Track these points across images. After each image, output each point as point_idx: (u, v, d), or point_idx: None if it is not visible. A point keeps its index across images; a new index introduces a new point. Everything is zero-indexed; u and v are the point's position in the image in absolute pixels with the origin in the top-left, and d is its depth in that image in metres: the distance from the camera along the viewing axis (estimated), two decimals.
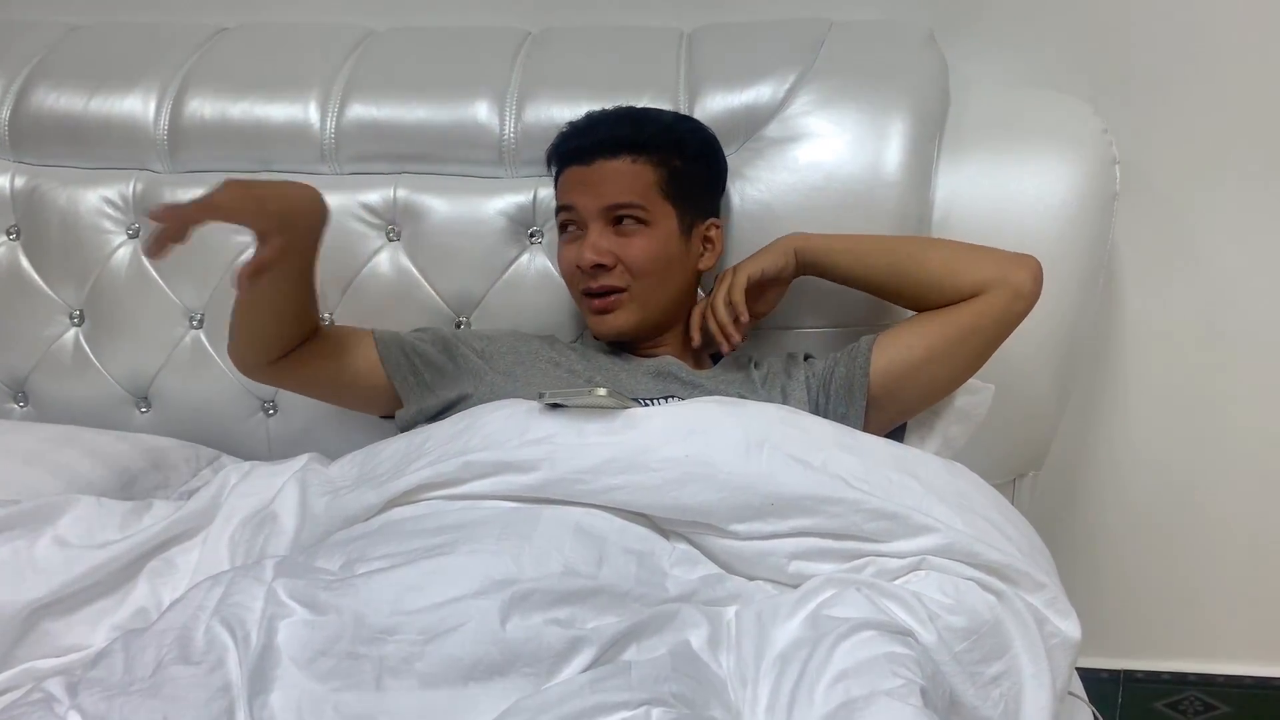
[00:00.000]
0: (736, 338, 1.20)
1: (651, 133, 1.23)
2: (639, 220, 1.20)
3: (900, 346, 1.20)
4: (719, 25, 1.47)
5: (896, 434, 1.25)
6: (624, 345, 1.26)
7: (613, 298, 1.21)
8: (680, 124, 1.28)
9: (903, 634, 0.88)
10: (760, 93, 1.36)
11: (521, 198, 1.38)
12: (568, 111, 1.35)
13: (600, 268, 1.19)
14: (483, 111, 1.38)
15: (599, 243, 1.20)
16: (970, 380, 1.26)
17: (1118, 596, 1.70)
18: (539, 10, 1.53)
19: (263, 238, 1.03)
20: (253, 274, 1.02)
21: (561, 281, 1.37)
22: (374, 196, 1.39)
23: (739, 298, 1.20)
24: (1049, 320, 1.35)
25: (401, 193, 1.39)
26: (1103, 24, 1.49)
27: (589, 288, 1.21)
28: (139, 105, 1.41)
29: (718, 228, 1.28)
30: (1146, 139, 1.48)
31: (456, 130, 1.38)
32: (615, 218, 1.20)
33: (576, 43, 1.47)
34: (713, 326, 1.22)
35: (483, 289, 1.38)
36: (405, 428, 1.22)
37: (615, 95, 1.32)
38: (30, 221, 1.42)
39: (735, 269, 1.24)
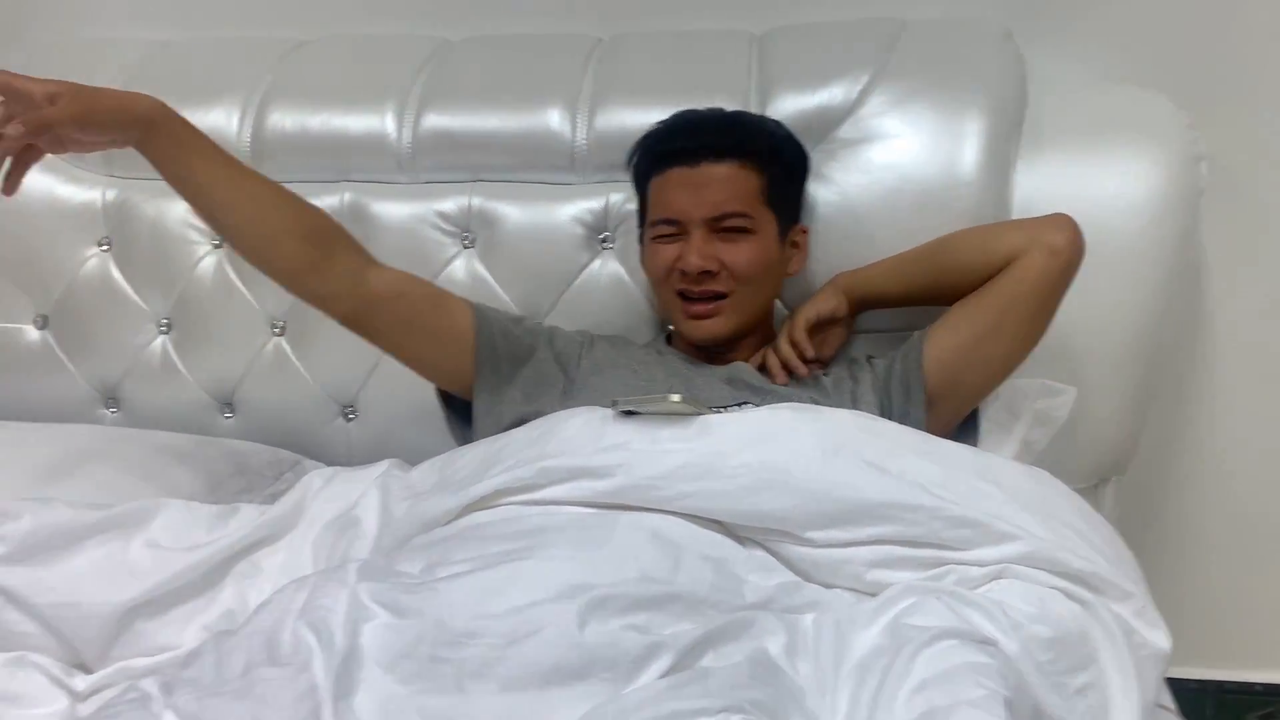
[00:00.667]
0: (803, 370, 1.21)
1: (756, 138, 1.23)
2: (744, 228, 1.20)
3: (947, 333, 1.19)
4: (790, 27, 1.46)
5: (971, 435, 1.23)
6: (703, 351, 1.25)
7: (714, 304, 1.20)
8: (776, 129, 1.28)
9: (985, 643, 0.86)
10: (833, 94, 1.35)
11: (593, 203, 1.39)
12: (639, 117, 1.35)
13: (707, 274, 1.19)
14: (555, 119, 1.39)
15: (705, 248, 1.19)
16: (1050, 382, 1.24)
17: (1207, 604, 1.65)
18: (610, 17, 1.54)
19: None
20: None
21: (633, 286, 1.39)
22: (449, 205, 1.41)
23: (800, 336, 1.21)
24: (1132, 320, 1.32)
25: (476, 200, 1.41)
26: (1186, 15, 1.44)
27: (690, 291, 1.20)
28: (223, 118, 1.44)
29: (804, 232, 1.28)
30: (1234, 133, 1.44)
31: (529, 138, 1.40)
32: (720, 224, 1.20)
33: (647, 48, 1.47)
34: (773, 364, 1.22)
35: (555, 294, 1.39)
36: (479, 422, 1.22)
37: (686, 99, 1.32)
38: (121, 233, 1.47)
39: (792, 314, 1.25)
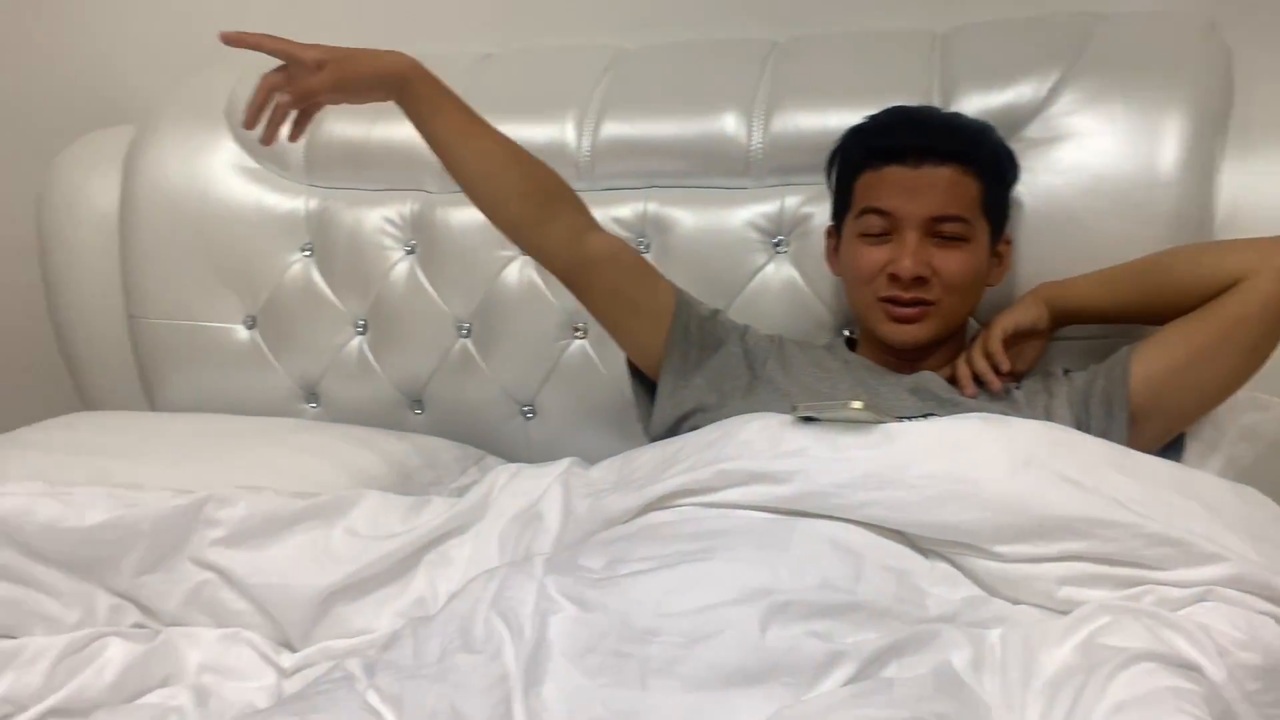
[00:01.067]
0: (997, 384, 1.16)
1: (979, 144, 1.20)
2: (961, 235, 1.17)
3: (1160, 351, 1.13)
4: (974, 25, 1.43)
5: (1174, 453, 1.16)
6: (892, 356, 1.23)
7: (920, 309, 1.17)
8: (995, 135, 1.24)
9: (1188, 668, 0.82)
10: (1020, 92, 1.31)
11: (768, 207, 1.39)
12: (815, 119, 1.35)
13: (919, 280, 1.16)
14: (730, 123, 1.40)
15: (920, 252, 1.16)
16: (1260, 395, 1.16)
17: None
18: (787, 21, 1.53)
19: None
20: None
21: (807, 290, 1.38)
22: (625, 210, 1.44)
23: (996, 348, 1.17)
24: None
25: (651, 206, 1.43)
26: None
27: (897, 296, 1.18)
28: (414, 130, 1.51)
29: (1008, 243, 1.25)
30: None
31: (704, 143, 1.41)
32: (936, 229, 1.17)
33: (824, 50, 1.46)
34: (964, 374, 1.18)
35: (729, 298, 1.40)
36: (661, 402, 1.24)
37: (864, 101, 1.30)
38: (322, 239, 1.56)
39: (989, 324, 1.20)
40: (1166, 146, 1.24)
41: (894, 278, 1.17)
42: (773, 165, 1.39)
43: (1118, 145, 1.25)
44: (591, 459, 1.28)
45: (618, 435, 1.46)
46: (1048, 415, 1.14)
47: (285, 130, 1.18)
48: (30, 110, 1.89)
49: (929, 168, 1.16)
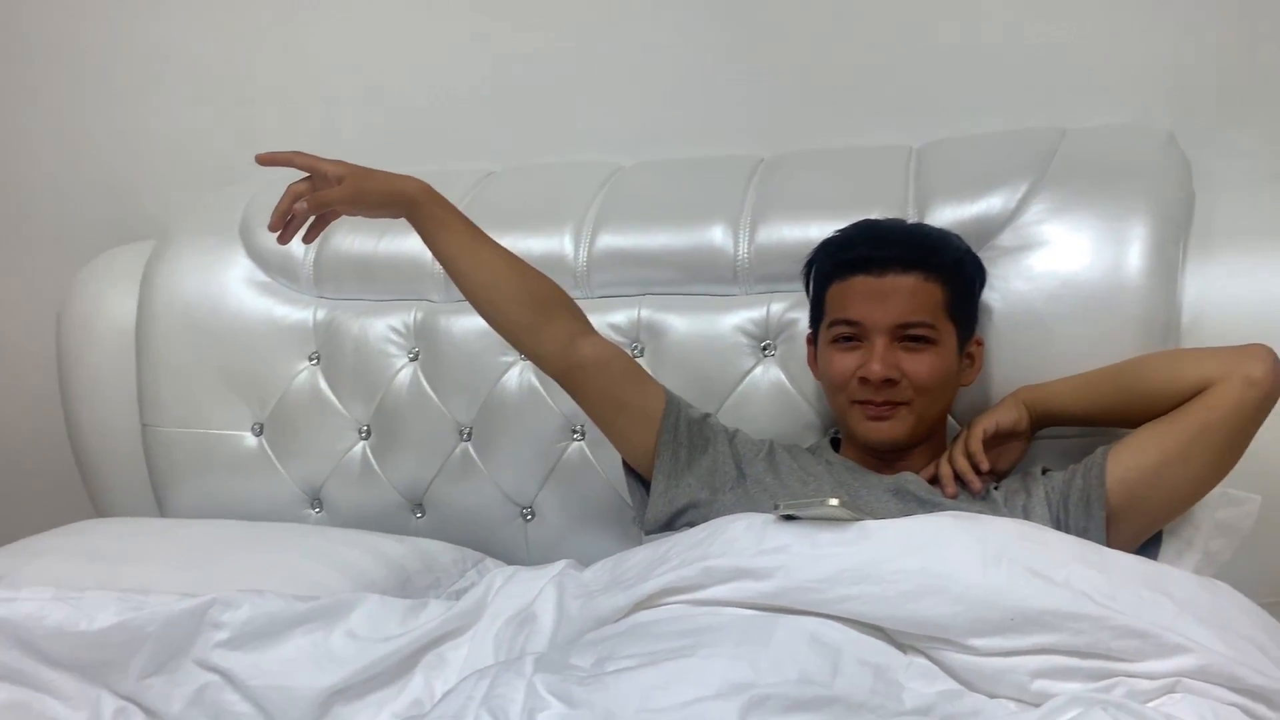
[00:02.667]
0: (978, 484, 1.21)
1: (941, 251, 1.25)
2: (927, 338, 1.22)
3: (1135, 453, 1.16)
4: (948, 139, 1.51)
5: (1152, 549, 1.19)
6: (873, 457, 1.27)
7: (894, 407, 1.22)
8: (958, 242, 1.30)
9: None
10: (991, 203, 1.37)
11: (755, 313, 1.45)
12: (798, 230, 1.42)
13: (889, 382, 1.21)
14: (718, 235, 1.47)
15: (888, 356, 1.21)
16: (1233, 491, 1.19)
17: None
18: (773, 138, 1.61)
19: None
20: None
21: (794, 392, 1.43)
22: (620, 317, 1.50)
23: (977, 448, 1.21)
24: None
25: (645, 312, 1.49)
26: None
27: (870, 399, 1.23)
28: (420, 243, 1.58)
29: (980, 344, 1.30)
30: None
31: (694, 253, 1.47)
32: (903, 334, 1.22)
33: (806, 165, 1.54)
34: (945, 473, 1.22)
35: (720, 399, 1.45)
36: (654, 501, 1.28)
37: (844, 213, 1.37)
38: (329, 348, 1.61)
39: (970, 424, 1.25)
40: (1132, 253, 1.29)
41: (865, 381, 1.22)
42: (759, 274, 1.45)
43: (1085, 252, 1.31)
44: (589, 560, 1.30)
45: (615, 536, 1.49)
46: (1025, 514, 1.17)
47: (301, 233, 1.27)
48: (53, 227, 1.98)
49: (892, 276, 1.22)
